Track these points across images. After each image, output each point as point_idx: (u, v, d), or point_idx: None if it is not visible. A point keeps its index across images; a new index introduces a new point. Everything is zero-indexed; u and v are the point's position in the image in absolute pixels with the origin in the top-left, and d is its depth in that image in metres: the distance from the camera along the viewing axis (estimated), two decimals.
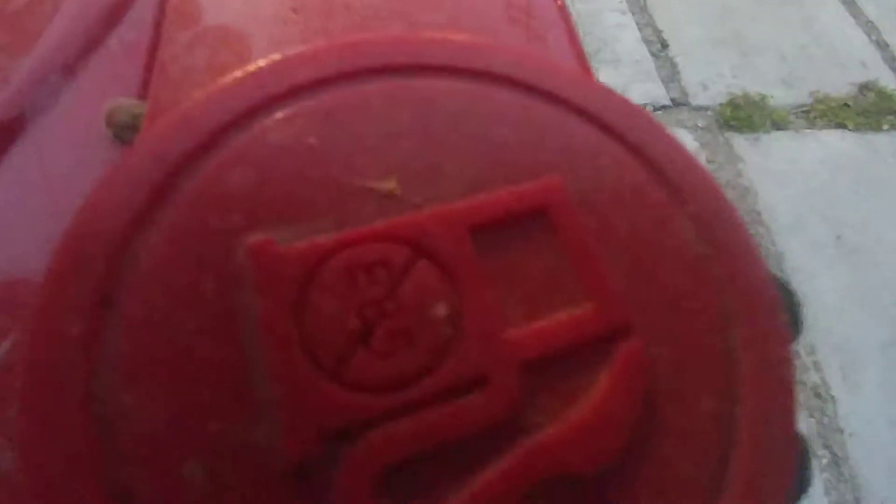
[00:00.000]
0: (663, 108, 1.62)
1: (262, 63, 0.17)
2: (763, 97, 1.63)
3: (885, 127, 1.68)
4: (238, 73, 0.17)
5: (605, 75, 1.70)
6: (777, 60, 1.76)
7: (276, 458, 0.11)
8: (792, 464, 0.14)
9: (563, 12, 0.37)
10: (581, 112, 0.17)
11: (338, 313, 0.13)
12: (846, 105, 1.68)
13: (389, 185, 0.15)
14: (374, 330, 0.13)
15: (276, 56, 0.18)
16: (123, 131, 0.29)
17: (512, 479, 0.12)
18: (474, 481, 0.12)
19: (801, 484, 0.20)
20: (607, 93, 0.18)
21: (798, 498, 0.20)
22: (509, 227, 0.15)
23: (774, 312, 0.15)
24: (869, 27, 1.95)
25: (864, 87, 1.76)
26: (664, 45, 1.75)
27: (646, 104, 1.62)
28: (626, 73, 1.69)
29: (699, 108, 1.62)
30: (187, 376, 0.12)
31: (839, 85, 1.74)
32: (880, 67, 1.83)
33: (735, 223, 0.17)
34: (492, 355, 0.13)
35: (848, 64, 1.82)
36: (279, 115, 0.16)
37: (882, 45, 1.90)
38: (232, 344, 0.12)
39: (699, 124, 1.58)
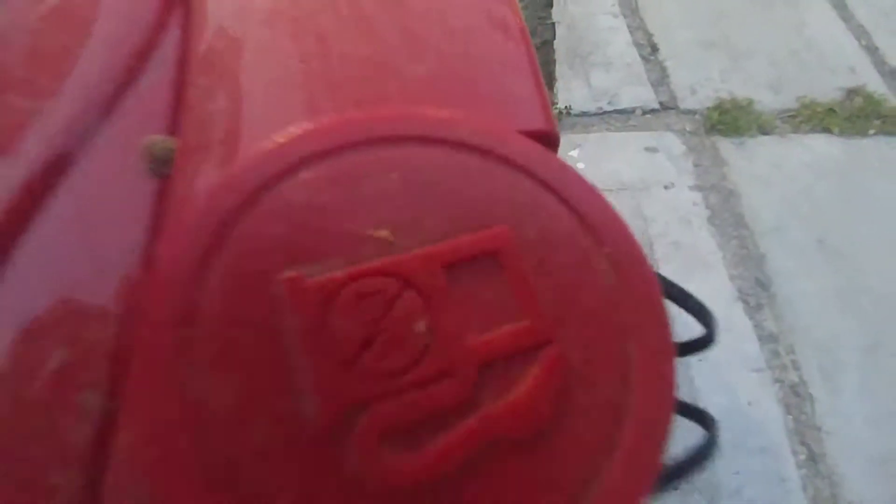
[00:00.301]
0: (652, 111, 1.69)
1: (284, 136, 0.24)
2: (750, 102, 1.71)
3: (872, 132, 1.75)
4: (266, 145, 0.24)
5: (597, 78, 1.77)
6: (766, 65, 1.84)
7: (313, 425, 0.18)
8: (667, 436, 0.20)
9: (524, 33, 0.43)
10: (527, 173, 0.24)
11: (350, 327, 0.19)
12: (832, 110, 1.75)
13: (384, 233, 0.22)
14: (375, 339, 0.19)
15: (295, 130, 0.24)
16: (159, 165, 0.35)
17: (469, 439, 0.18)
18: (443, 440, 0.18)
19: (703, 454, 0.27)
20: (548, 156, 0.24)
21: (701, 462, 0.27)
22: (471, 264, 0.21)
23: (664, 329, 0.22)
24: (859, 31, 2.02)
25: (852, 92, 1.83)
26: (654, 49, 1.82)
27: (635, 108, 1.70)
28: (616, 76, 1.76)
29: (687, 112, 1.69)
30: (249, 369, 0.19)
31: (827, 90, 1.81)
32: (869, 72, 1.91)
33: (640, 260, 0.23)
34: (456, 357, 0.20)
35: (837, 69, 1.89)
36: (299, 179, 0.23)
37: (872, 50, 1.97)
38: (278, 347, 0.19)
39: (687, 128, 1.66)
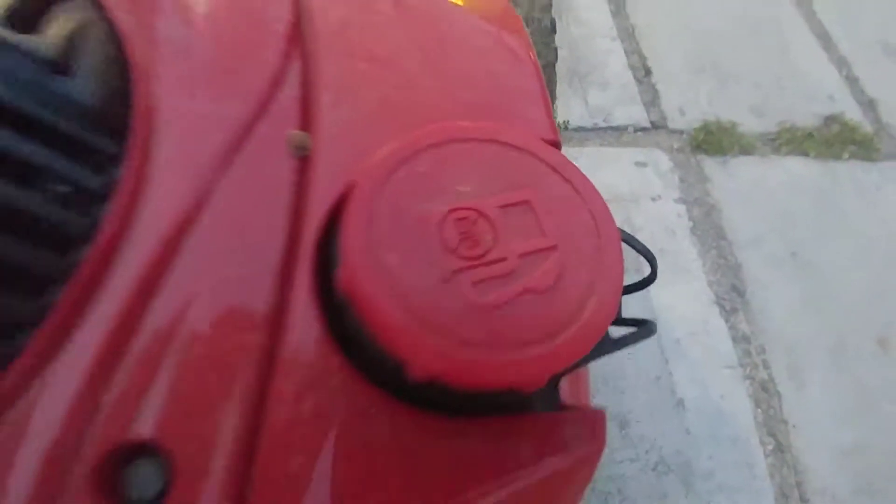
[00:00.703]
0: (643, 129, 1.93)
1: (411, 135, 0.45)
2: (734, 124, 1.95)
3: (846, 156, 2.00)
4: (405, 138, 0.45)
5: (594, 97, 2.01)
6: (750, 90, 2.09)
7: (438, 278, 0.39)
8: (614, 311, 0.41)
9: (537, 66, 0.66)
10: (543, 160, 0.45)
11: (452, 234, 0.41)
12: (811, 135, 2.00)
13: (466, 189, 0.43)
14: (465, 240, 0.40)
15: (415, 133, 0.45)
16: (300, 149, 0.56)
17: (514, 290, 0.40)
18: (501, 290, 0.40)
19: (638, 336, 0.48)
20: (556, 152, 0.46)
21: (636, 341, 0.48)
22: (514, 207, 0.43)
23: (617, 250, 0.43)
24: (841, 62, 2.28)
25: (830, 119, 2.08)
26: (648, 72, 2.07)
27: (628, 125, 1.93)
28: (612, 95, 2.00)
29: (675, 132, 1.93)
30: (404, 250, 0.40)
31: (806, 116, 2.06)
32: (847, 101, 2.16)
33: (606, 212, 0.45)
34: (509, 251, 0.41)
35: (817, 96, 2.14)
36: (423, 157, 0.44)
37: (851, 80, 2.23)
38: (417, 239, 0.40)
39: (674, 146, 1.89)
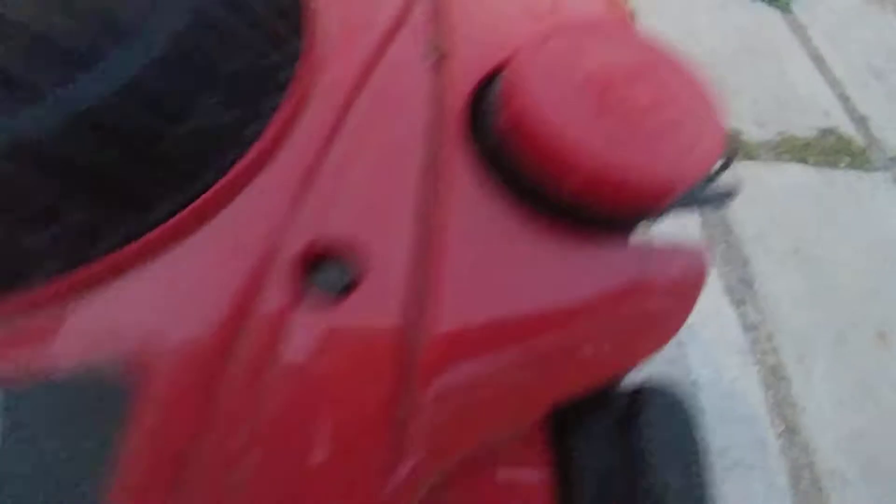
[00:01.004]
0: None
1: (550, 27, 0.61)
2: (738, 132, 2.16)
3: (842, 165, 2.21)
4: (541, 31, 0.60)
5: None
6: (750, 105, 2.31)
7: (592, 114, 0.54)
8: (716, 157, 0.56)
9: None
10: (654, 47, 0.61)
11: (596, 85, 0.56)
12: (809, 144, 2.22)
13: (601, 58, 0.58)
14: (606, 90, 0.56)
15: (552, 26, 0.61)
16: (436, 53, 0.71)
17: (647, 121, 0.55)
18: (638, 122, 0.55)
19: (721, 197, 0.63)
20: (661, 44, 0.62)
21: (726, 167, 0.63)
22: (640, 72, 0.58)
23: (718, 111, 0.59)
24: (834, 83, 2.52)
25: (826, 132, 2.30)
26: None
27: None
28: None
29: None
30: (558, 93, 0.55)
31: (803, 128, 2.28)
32: (841, 117, 2.39)
33: (707, 83, 0.60)
34: (640, 99, 0.56)
35: (813, 111, 2.37)
36: (560, 39, 0.60)
37: (844, 99, 2.47)
38: (571, 86, 0.55)
39: None
